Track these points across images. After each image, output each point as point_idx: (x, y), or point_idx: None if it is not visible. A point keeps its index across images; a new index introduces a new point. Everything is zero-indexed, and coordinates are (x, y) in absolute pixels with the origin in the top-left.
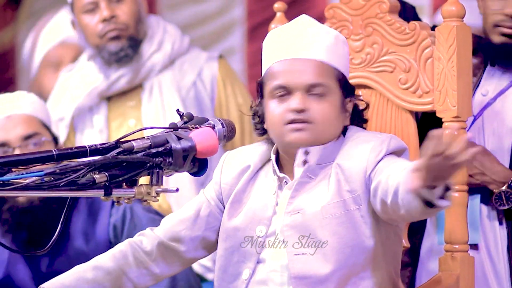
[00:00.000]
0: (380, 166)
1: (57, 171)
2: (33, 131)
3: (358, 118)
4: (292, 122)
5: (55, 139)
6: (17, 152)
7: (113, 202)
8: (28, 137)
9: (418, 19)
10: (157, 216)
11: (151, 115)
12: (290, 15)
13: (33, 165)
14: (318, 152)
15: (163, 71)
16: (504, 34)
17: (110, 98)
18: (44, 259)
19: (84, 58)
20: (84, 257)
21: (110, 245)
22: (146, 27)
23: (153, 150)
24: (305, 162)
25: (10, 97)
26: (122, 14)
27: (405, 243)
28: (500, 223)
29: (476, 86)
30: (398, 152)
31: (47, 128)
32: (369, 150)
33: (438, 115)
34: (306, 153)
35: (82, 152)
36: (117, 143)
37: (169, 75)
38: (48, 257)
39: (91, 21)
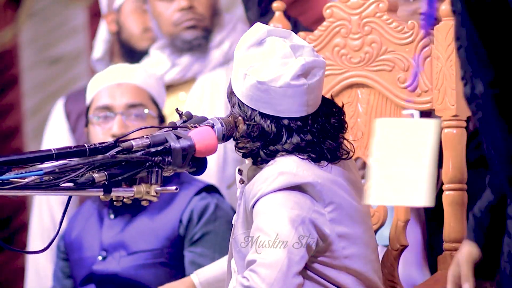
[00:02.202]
0: (254, 213)
1: (57, 170)
2: (139, 102)
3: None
4: None
5: (161, 117)
6: (118, 118)
7: (194, 195)
8: (132, 106)
9: None
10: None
11: (194, 111)
12: (290, 14)
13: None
14: (246, 170)
15: (216, 68)
16: None
17: (168, 88)
18: (117, 231)
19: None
20: (150, 232)
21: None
22: (220, 21)
23: (152, 149)
24: (242, 181)
25: (124, 67)
26: (200, 6)
27: (404, 241)
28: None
29: None
30: (290, 188)
31: (156, 103)
32: (254, 186)
33: (436, 113)
34: (240, 171)
35: (81, 151)
36: (116, 142)
37: (222, 73)
38: (121, 225)
39: (167, 9)
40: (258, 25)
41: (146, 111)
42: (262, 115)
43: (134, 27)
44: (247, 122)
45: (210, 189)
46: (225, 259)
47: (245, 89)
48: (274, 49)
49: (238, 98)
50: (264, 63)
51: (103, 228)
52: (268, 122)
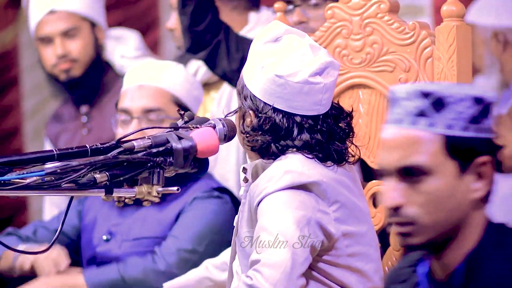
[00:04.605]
0: (258, 211)
1: (58, 170)
2: (156, 106)
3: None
4: None
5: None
6: (135, 122)
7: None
8: (149, 111)
9: None
10: None
11: (222, 111)
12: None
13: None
14: (250, 169)
15: None
16: None
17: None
18: (126, 216)
19: None
20: (156, 220)
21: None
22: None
23: (154, 150)
24: (246, 179)
25: (152, 66)
26: None
27: None
28: None
29: None
30: (296, 187)
31: (181, 105)
32: (259, 184)
33: None
34: (244, 170)
35: (83, 151)
36: (118, 142)
37: None
38: (131, 211)
39: None
40: (276, 22)
41: (163, 116)
42: (275, 109)
43: (47, 64)
44: (259, 115)
45: (223, 191)
46: (194, 271)
47: (261, 82)
48: (293, 46)
49: (250, 91)
50: (282, 58)
51: (114, 211)
52: (280, 116)
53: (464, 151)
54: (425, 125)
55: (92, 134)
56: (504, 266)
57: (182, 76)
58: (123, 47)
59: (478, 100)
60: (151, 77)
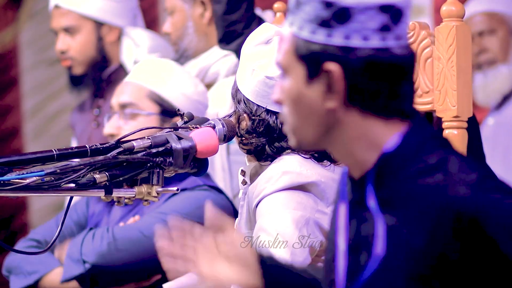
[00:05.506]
0: (257, 213)
1: (58, 171)
2: (128, 101)
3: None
4: None
5: (168, 114)
6: (114, 118)
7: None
8: (123, 106)
9: None
10: None
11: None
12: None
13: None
14: (248, 171)
15: (229, 76)
16: None
17: None
18: (125, 212)
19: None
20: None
21: None
22: None
23: (154, 150)
24: (244, 182)
25: (142, 63)
26: None
27: None
28: None
29: None
30: (294, 188)
31: (161, 103)
32: (257, 185)
33: (437, 114)
34: (243, 172)
35: (82, 151)
36: (118, 142)
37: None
38: (131, 207)
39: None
40: (266, 24)
41: (135, 110)
42: (268, 111)
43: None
44: (252, 117)
45: (217, 189)
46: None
47: (252, 85)
48: None
49: (243, 94)
50: (272, 60)
51: (114, 206)
52: (274, 118)
53: (310, 56)
54: (289, 23)
55: (100, 129)
56: (417, 174)
57: (165, 72)
58: (138, 50)
59: (328, 4)
60: (134, 73)
